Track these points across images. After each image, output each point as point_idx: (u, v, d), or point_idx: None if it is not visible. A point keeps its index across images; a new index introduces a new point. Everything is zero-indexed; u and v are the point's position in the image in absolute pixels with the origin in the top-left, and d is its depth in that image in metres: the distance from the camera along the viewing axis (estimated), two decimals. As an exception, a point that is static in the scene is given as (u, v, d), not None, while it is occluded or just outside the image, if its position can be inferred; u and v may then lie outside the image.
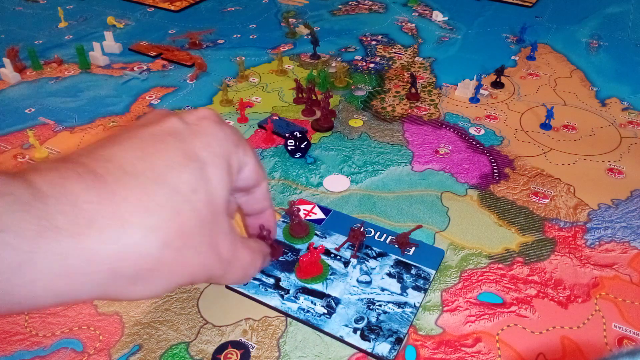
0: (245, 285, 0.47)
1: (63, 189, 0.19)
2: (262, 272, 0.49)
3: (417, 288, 0.47)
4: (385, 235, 0.53)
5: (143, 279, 0.21)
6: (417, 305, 0.45)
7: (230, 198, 0.30)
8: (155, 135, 0.23)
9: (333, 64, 0.88)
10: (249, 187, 0.30)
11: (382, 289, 0.47)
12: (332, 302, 0.46)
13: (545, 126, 0.72)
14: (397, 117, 0.74)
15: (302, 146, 0.65)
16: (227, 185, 0.25)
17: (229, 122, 0.29)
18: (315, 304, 0.46)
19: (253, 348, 0.43)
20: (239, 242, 0.26)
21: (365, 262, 0.50)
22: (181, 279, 0.23)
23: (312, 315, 0.45)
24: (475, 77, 0.79)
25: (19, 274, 0.18)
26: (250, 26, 1.04)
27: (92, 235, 0.19)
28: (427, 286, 0.47)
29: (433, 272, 0.49)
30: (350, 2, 1.16)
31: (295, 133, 0.65)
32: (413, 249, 0.51)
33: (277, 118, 0.73)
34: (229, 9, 1.13)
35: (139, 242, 0.20)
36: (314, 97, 0.75)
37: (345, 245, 0.51)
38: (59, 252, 0.19)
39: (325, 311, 0.45)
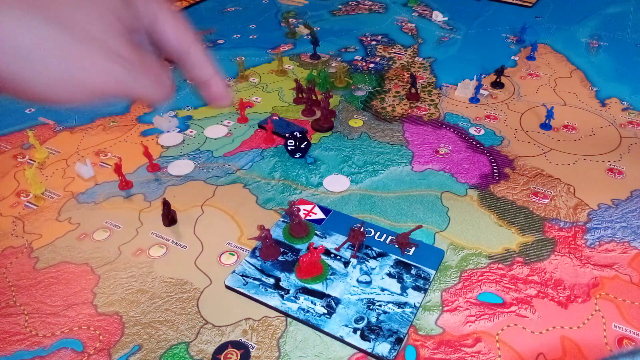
0: (245, 284, 0.47)
1: None
2: (262, 272, 0.49)
3: (417, 288, 0.47)
4: (385, 235, 0.53)
5: (26, 54, 0.22)
6: (417, 305, 0.45)
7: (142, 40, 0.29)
8: None
9: (333, 64, 0.88)
10: (174, 50, 0.29)
11: (382, 289, 0.47)
12: (332, 302, 0.46)
13: (545, 126, 0.72)
14: (397, 117, 0.74)
15: (302, 146, 0.65)
16: (116, 7, 0.25)
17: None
18: (315, 304, 0.46)
19: (253, 348, 0.43)
20: (141, 49, 0.26)
21: (365, 262, 0.50)
22: (65, 66, 0.23)
23: (312, 315, 0.45)
24: (475, 77, 0.79)
25: None
26: (250, 26, 1.04)
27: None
28: (427, 286, 0.47)
29: (433, 272, 0.49)
30: (350, 2, 1.16)
31: (295, 133, 0.65)
32: (413, 249, 0.51)
33: (277, 118, 0.73)
34: (229, 9, 1.13)
35: (25, 19, 0.21)
36: (314, 97, 0.75)
37: (345, 245, 0.51)
38: None
39: (325, 311, 0.45)
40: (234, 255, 0.52)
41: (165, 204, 0.54)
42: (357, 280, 0.48)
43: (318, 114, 0.74)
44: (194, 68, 0.30)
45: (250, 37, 0.99)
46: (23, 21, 0.22)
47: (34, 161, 0.65)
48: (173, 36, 0.28)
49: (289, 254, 0.51)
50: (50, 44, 0.22)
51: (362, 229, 0.51)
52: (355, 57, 0.91)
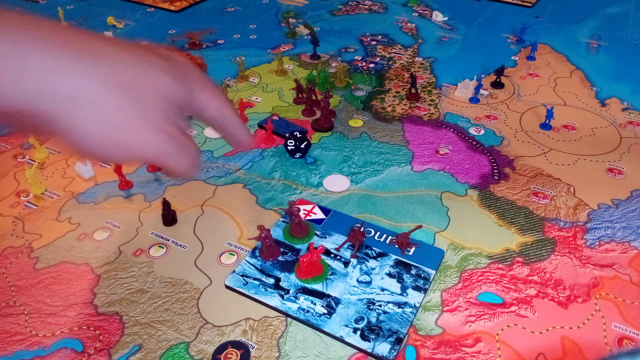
0: (245, 284, 0.47)
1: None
2: (262, 272, 0.49)
3: (417, 288, 0.47)
4: (385, 235, 0.53)
5: (84, 107, 0.24)
6: (417, 305, 0.45)
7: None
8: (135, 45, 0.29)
9: (333, 64, 0.88)
10: (213, 122, 0.33)
11: (382, 289, 0.47)
12: (332, 302, 0.46)
13: (545, 126, 0.72)
14: (397, 117, 0.74)
15: (302, 146, 0.65)
16: (171, 90, 0.28)
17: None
18: (315, 304, 0.46)
19: (253, 348, 0.43)
20: (188, 133, 0.30)
21: (365, 262, 0.50)
22: (121, 131, 0.26)
23: (312, 315, 0.45)
24: (475, 77, 0.79)
25: None
26: (250, 26, 1.04)
27: (59, 56, 0.24)
28: (427, 286, 0.47)
29: (433, 272, 0.49)
30: (350, 2, 1.16)
31: (295, 133, 0.65)
32: (413, 249, 0.51)
33: (277, 118, 0.74)
34: (229, 9, 1.13)
35: (84, 74, 0.25)
36: (314, 97, 0.75)
37: (345, 245, 0.51)
38: (28, 54, 0.23)
39: (325, 311, 0.45)
40: (234, 255, 0.52)
41: (165, 204, 0.54)
42: (357, 280, 0.48)
43: (318, 114, 0.74)
44: (230, 135, 0.34)
45: (250, 37, 0.99)
46: (90, 75, 0.25)
47: (34, 161, 0.65)
48: (214, 112, 0.32)
49: (289, 254, 0.51)
50: (109, 105, 0.25)
51: (362, 229, 0.51)
52: (355, 57, 0.91)
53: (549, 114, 0.71)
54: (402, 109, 0.76)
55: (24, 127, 0.28)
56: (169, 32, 1.02)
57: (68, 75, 0.24)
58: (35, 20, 0.25)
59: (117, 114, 0.25)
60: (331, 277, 0.48)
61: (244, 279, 0.48)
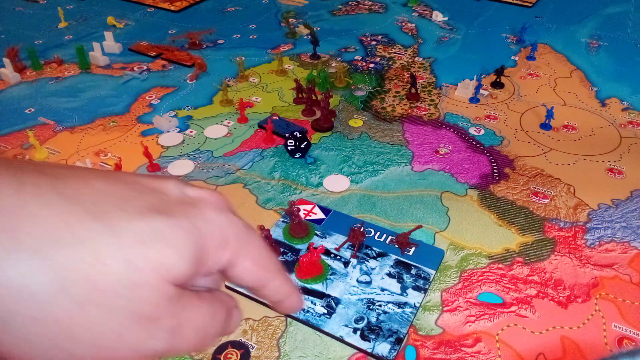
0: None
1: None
2: (262, 272, 0.49)
3: (417, 288, 0.47)
4: (385, 235, 0.53)
5: (15, 321, 0.16)
6: (417, 305, 0.45)
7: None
8: (146, 185, 0.20)
9: (333, 64, 0.88)
10: (249, 288, 0.23)
11: (382, 289, 0.47)
12: (332, 302, 0.46)
13: (545, 126, 0.72)
14: (397, 117, 0.74)
15: (302, 146, 0.65)
16: (186, 271, 0.19)
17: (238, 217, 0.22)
18: (315, 304, 0.46)
19: (253, 348, 0.43)
20: (188, 302, 0.20)
21: (365, 262, 0.50)
22: (88, 348, 0.17)
23: (312, 315, 0.45)
24: (475, 77, 0.79)
25: None
26: (250, 26, 1.04)
27: None
28: (427, 286, 0.47)
29: (433, 272, 0.49)
30: (350, 2, 1.16)
31: (295, 133, 0.65)
32: (413, 249, 0.51)
33: (277, 118, 0.73)
34: (229, 9, 1.13)
35: (15, 270, 0.15)
36: (314, 97, 0.75)
37: (345, 245, 0.51)
38: None
39: (325, 311, 0.45)
40: (234, 255, 0.52)
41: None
42: (357, 280, 0.48)
43: (318, 114, 0.74)
44: (268, 297, 0.24)
45: (250, 37, 0.99)
46: (32, 281, 0.16)
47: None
48: (250, 280, 0.22)
49: (289, 254, 0.51)
50: (68, 323, 0.16)
51: (362, 229, 0.51)
52: (355, 57, 0.91)
53: (549, 114, 0.71)
54: (402, 109, 0.76)
55: None
56: (169, 32, 1.02)
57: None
58: None
59: (85, 334, 0.17)
60: (331, 277, 0.48)
61: (244, 279, 0.48)
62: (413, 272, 0.49)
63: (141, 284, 0.17)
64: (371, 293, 0.47)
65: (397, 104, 0.77)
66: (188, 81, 0.83)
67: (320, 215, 0.55)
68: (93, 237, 0.17)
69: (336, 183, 0.61)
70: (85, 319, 0.17)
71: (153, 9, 1.12)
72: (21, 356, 0.16)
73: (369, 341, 0.42)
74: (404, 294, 0.46)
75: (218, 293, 0.22)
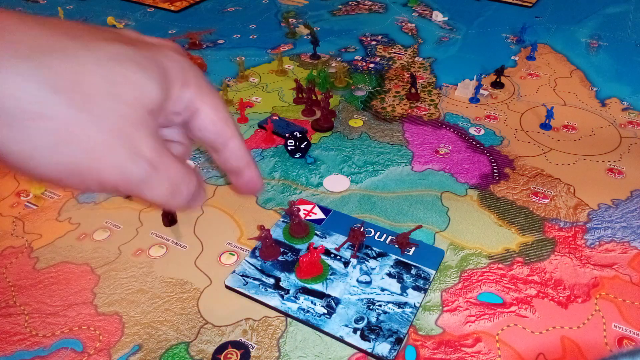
0: (245, 284, 0.47)
1: None
2: (262, 272, 0.49)
3: (417, 288, 0.47)
4: (385, 235, 0.53)
5: (22, 122, 0.18)
6: (417, 305, 0.45)
7: (174, 135, 0.26)
8: (111, 30, 0.22)
9: (333, 64, 0.88)
10: (210, 142, 0.25)
11: (382, 289, 0.47)
12: (332, 302, 0.46)
13: (545, 126, 0.72)
14: (397, 117, 0.74)
15: (302, 146, 0.65)
16: (161, 91, 0.21)
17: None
18: (315, 304, 0.46)
19: (253, 348, 0.43)
20: (168, 151, 0.22)
21: (365, 262, 0.50)
22: (75, 152, 0.19)
23: (312, 315, 0.45)
24: (475, 77, 0.79)
25: None
26: (250, 26, 1.04)
27: None
28: (427, 286, 0.47)
29: (433, 272, 0.49)
30: (350, 2, 1.16)
31: (295, 133, 0.65)
32: (413, 249, 0.51)
33: (277, 118, 0.73)
34: (229, 9, 1.13)
35: (11, 69, 0.17)
36: (314, 97, 0.75)
37: (345, 245, 0.51)
38: None
39: (325, 311, 0.45)
40: (234, 255, 0.52)
41: (165, 204, 0.54)
42: (357, 280, 0.48)
43: (318, 114, 0.74)
44: (228, 159, 0.26)
45: (250, 37, 0.99)
46: (30, 81, 0.18)
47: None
48: (211, 131, 0.25)
49: (289, 254, 0.51)
50: (63, 122, 0.18)
51: (362, 229, 0.51)
52: (355, 57, 0.91)
53: (549, 114, 0.71)
54: (402, 109, 0.76)
55: None
56: (169, 32, 1.02)
57: None
58: None
59: (70, 132, 0.19)
60: (331, 277, 0.48)
61: (244, 279, 0.48)
62: (413, 272, 0.49)
63: (121, 99, 0.20)
64: (371, 293, 0.47)
65: (397, 104, 0.77)
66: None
67: (320, 215, 0.55)
68: (74, 51, 0.19)
69: (336, 183, 0.61)
70: (79, 124, 0.19)
71: (153, 9, 1.12)
72: (24, 158, 0.18)
73: (369, 341, 0.42)
74: (404, 294, 0.46)
75: (191, 166, 0.24)
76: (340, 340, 0.43)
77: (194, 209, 0.25)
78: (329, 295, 0.46)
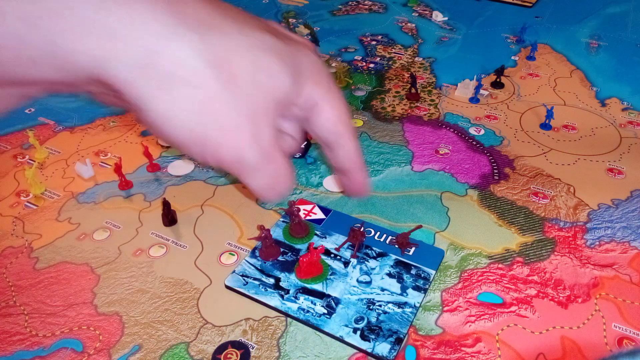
0: (245, 284, 0.47)
1: None
2: (262, 272, 0.49)
3: (417, 288, 0.47)
4: (385, 235, 0.53)
5: (173, 86, 0.19)
6: (417, 305, 0.45)
7: (286, 125, 0.27)
8: (263, 21, 0.24)
9: (333, 64, 0.88)
10: (327, 140, 0.26)
11: (382, 289, 0.47)
12: (332, 302, 0.46)
13: (545, 126, 0.72)
14: (397, 117, 0.74)
15: (302, 146, 0.65)
16: (295, 84, 0.23)
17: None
18: (315, 304, 0.46)
19: (253, 348, 0.43)
20: (279, 145, 0.23)
21: (365, 262, 0.50)
22: (214, 124, 0.20)
23: (312, 315, 0.45)
24: (475, 77, 0.79)
25: (74, 31, 0.17)
26: (250, 26, 1.04)
27: (136, 3, 0.18)
28: (427, 286, 0.47)
29: (433, 272, 0.49)
30: (350, 2, 1.16)
31: (295, 133, 0.65)
32: (413, 249, 0.51)
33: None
34: (229, 9, 1.12)
35: (182, 42, 0.19)
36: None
37: (345, 245, 0.51)
38: (124, 17, 0.18)
39: (325, 311, 0.45)
40: (234, 255, 0.52)
41: (165, 204, 0.54)
42: (357, 280, 0.48)
43: (318, 114, 0.73)
44: (341, 159, 0.27)
45: (250, 37, 0.99)
46: (192, 52, 0.19)
47: (34, 161, 0.65)
48: (331, 130, 0.26)
49: (289, 254, 0.51)
50: (208, 95, 0.20)
51: (362, 229, 0.51)
52: (355, 57, 0.91)
53: (549, 114, 0.71)
54: (402, 109, 0.76)
55: (99, 97, 0.22)
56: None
57: (166, 47, 0.19)
58: None
59: (218, 110, 0.20)
60: (331, 277, 0.48)
61: (244, 279, 0.48)
62: (413, 272, 0.49)
63: (260, 87, 0.21)
64: (371, 293, 0.47)
65: (397, 104, 0.77)
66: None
67: (320, 215, 0.55)
68: (232, 34, 0.20)
69: (336, 183, 0.61)
70: (221, 100, 0.20)
71: (153, 9, 1.12)
72: (163, 118, 0.20)
73: (369, 341, 0.42)
74: (404, 294, 0.46)
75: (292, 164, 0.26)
76: (340, 340, 0.43)
77: (277, 201, 0.27)
78: (329, 295, 0.46)
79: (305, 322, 0.44)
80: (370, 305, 0.45)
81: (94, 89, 0.20)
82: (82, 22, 0.17)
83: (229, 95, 0.20)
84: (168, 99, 0.19)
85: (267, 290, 0.47)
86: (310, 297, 0.46)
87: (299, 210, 0.55)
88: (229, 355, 0.42)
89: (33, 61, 0.18)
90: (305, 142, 0.65)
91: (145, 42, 0.18)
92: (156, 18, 0.18)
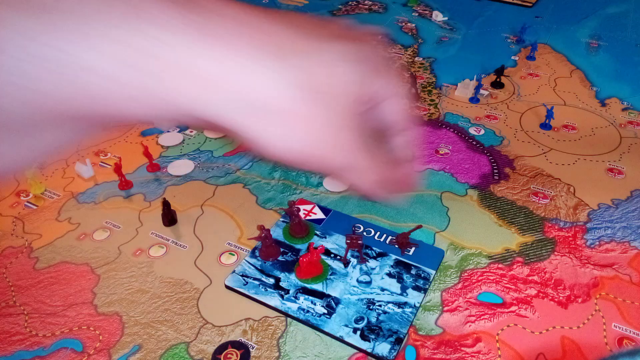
0: (245, 284, 0.47)
1: (225, 5, 0.20)
2: (262, 272, 0.49)
3: (417, 288, 0.47)
4: (385, 235, 0.53)
5: (272, 118, 0.21)
6: (417, 305, 0.45)
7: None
8: (332, 22, 0.25)
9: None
10: (388, 128, 0.28)
11: (382, 289, 0.47)
12: (332, 302, 0.46)
13: (545, 126, 0.72)
14: (397, 117, 0.74)
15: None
16: (366, 83, 0.24)
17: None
18: (315, 304, 0.46)
19: (253, 348, 0.43)
20: (362, 145, 0.25)
21: (365, 262, 0.50)
22: (310, 139, 0.22)
23: (312, 315, 0.45)
24: (475, 77, 0.79)
25: (168, 72, 0.18)
26: (250, 26, 1.04)
27: (238, 50, 0.20)
28: (427, 286, 0.47)
29: (433, 272, 0.49)
30: (350, 2, 1.16)
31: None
32: (413, 249, 0.51)
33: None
34: (229, 9, 1.12)
35: (273, 73, 0.20)
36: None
37: (349, 253, 0.51)
38: (213, 58, 0.19)
39: (325, 311, 0.45)
40: (234, 255, 0.52)
41: (165, 204, 0.54)
42: (357, 280, 0.48)
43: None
44: (397, 148, 0.28)
45: (250, 37, 0.99)
46: (279, 79, 0.20)
47: (34, 161, 0.65)
48: (394, 119, 0.27)
49: (289, 254, 0.51)
50: (300, 116, 0.21)
51: (355, 233, 0.50)
52: (355, 57, 0.91)
53: (549, 114, 0.71)
54: (402, 109, 0.76)
55: (204, 127, 0.24)
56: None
57: (253, 79, 0.20)
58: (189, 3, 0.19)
59: (307, 126, 0.22)
60: (331, 277, 0.48)
61: (244, 279, 0.48)
62: (413, 272, 0.49)
63: (342, 97, 0.22)
64: (371, 293, 0.47)
65: (397, 104, 0.77)
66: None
67: (320, 215, 0.55)
68: (308, 51, 0.21)
69: (336, 183, 0.61)
70: (312, 119, 0.21)
71: (153, 9, 1.12)
72: (263, 143, 0.21)
73: (369, 341, 0.42)
74: (404, 294, 0.46)
75: (397, 161, 0.27)
76: (340, 340, 0.43)
77: (402, 198, 0.29)
78: (329, 295, 0.46)
79: (305, 322, 0.44)
80: (370, 305, 0.45)
81: (186, 120, 0.22)
82: (178, 66, 0.19)
83: (315, 112, 0.22)
84: (261, 126, 0.21)
85: (267, 290, 0.47)
86: (310, 297, 0.46)
87: (299, 210, 0.55)
88: (229, 355, 0.42)
89: (133, 99, 0.19)
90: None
91: (237, 79, 0.20)
92: (243, 54, 0.20)
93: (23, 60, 0.17)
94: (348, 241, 0.49)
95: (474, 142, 0.69)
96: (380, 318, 0.44)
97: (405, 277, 0.48)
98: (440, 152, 0.67)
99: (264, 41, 0.20)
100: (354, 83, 0.23)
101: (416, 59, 0.91)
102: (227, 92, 0.20)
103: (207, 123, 0.21)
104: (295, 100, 0.21)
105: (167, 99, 0.19)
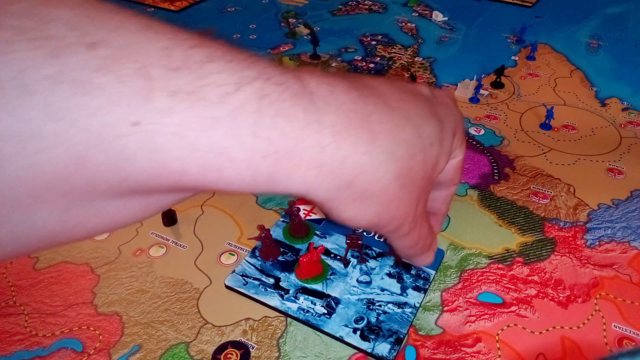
0: (245, 284, 0.47)
1: (331, 93, 0.20)
2: (262, 272, 0.49)
3: (417, 288, 0.47)
4: (385, 235, 0.52)
5: (364, 199, 0.21)
6: (417, 305, 0.45)
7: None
8: (410, 90, 0.25)
9: (333, 64, 0.88)
10: (441, 182, 0.29)
11: (382, 289, 0.47)
12: (332, 302, 0.46)
13: (545, 126, 0.72)
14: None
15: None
16: (446, 157, 0.25)
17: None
18: (315, 304, 0.46)
19: (253, 348, 0.43)
20: (426, 214, 0.26)
21: (365, 262, 0.50)
22: (388, 216, 0.23)
23: (312, 315, 0.45)
24: (475, 77, 0.79)
25: (284, 159, 0.19)
26: (250, 26, 1.04)
27: (347, 139, 0.20)
28: (427, 286, 0.47)
29: (433, 272, 0.49)
30: (350, 2, 1.16)
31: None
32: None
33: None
34: (229, 9, 1.13)
35: (378, 164, 0.21)
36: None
37: (349, 253, 0.51)
38: (318, 144, 0.19)
39: (325, 311, 0.45)
40: (234, 255, 0.52)
41: (165, 204, 0.54)
42: (357, 280, 0.48)
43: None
44: (438, 199, 0.30)
45: (250, 37, 0.99)
46: (384, 171, 0.21)
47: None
48: (450, 173, 0.28)
49: (289, 254, 0.51)
50: (390, 199, 0.22)
51: (354, 233, 0.50)
52: (355, 57, 0.91)
53: (549, 114, 0.71)
54: (402, 109, 0.76)
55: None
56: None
57: (362, 161, 0.20)
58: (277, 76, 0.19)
59: (390, 205, 0.22)
60: (331, 277, 0.48)
61: (244, 279, 0.48)
62: (413, 272, 0.49)
63: (425, 173, 0.23)
64: (371, 293, 0.47)
65: (397, 104, 0.77)
66: None
67: (320, 215, 0.55)
68: (405, 131, 0.22)
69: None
70: (400, 198, 0.22)
71: (153, 9, 1.12)
72: (356, 220, 0.22)
73: (369, 341, 0.42)
74: (404, 294, 0.46)
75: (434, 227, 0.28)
76: (340, 340, 0.43)
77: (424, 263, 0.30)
78: (328, 295, 0.46)
79: (305, 322, 0.44)
80: (370, 305, 0.45)
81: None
82: (301, 157, 0.19)
83: (406, 193, 0.22)
84: (356, 207, 0.22)
85: (267, 290, 0.47)
86: (310, 297, 0.46)
87: (299, 210, 0.55)
88: (229, 355, 0.42)
89: (256, 186, 0.19)
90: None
91: (351, 164, 0.20)
92: (357, 141, 0.20)
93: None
94: (348, 241, 0.49)
95: (474, 142, 0.69)
96: (380, 318, 0.44)
97: (405, 277, 0.48)
98: (440, 152, 0.66)
99: (371, 121, 0.21)
100: (440, 159, 0.24)
101: (416, 59, 0.91)
102: (338, 181, 0.20)
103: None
104: (394, 187, 0.22)
105: (285, 188, 0.20)
